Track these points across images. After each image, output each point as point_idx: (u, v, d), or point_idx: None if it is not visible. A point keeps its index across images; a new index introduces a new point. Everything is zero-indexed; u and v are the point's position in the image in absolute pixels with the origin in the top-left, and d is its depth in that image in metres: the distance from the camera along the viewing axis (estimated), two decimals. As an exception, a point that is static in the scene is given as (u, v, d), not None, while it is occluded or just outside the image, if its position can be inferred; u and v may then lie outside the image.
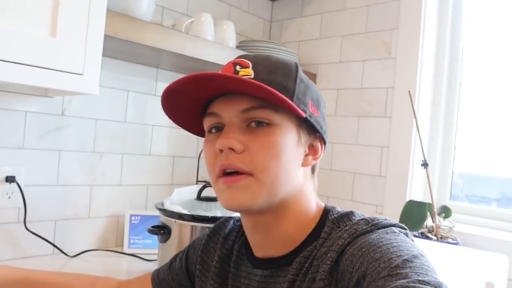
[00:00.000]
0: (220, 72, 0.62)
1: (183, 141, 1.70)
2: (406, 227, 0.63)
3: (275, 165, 0.60)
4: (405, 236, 0.60)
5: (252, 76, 0.61)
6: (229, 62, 0.65)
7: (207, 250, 0.78)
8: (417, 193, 1.57)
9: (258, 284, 0.67)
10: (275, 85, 0.59)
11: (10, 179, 1.25)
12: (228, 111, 0.61)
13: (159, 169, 1.64)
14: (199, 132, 0.71)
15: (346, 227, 0.61)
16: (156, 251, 1.34)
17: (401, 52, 1.59)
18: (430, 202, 1.34)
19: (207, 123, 0.65)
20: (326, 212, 0.67)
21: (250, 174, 0.60)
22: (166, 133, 1.64)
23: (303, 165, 0.65)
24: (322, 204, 0.69)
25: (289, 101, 0.58)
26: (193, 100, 0.65)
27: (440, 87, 1.62)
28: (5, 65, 0.92)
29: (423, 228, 1.37)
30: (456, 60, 1.60)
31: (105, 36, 1.10)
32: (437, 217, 1.34)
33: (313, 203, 0.68)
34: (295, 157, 0.63)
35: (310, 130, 0.66)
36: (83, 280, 0.88)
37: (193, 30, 1.46)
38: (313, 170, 0.70)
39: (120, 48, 1.32)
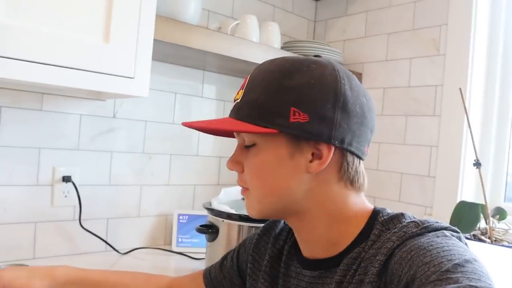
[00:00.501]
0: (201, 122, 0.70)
1: (229, 142, 1.70)
2: (459, 231, 0.61)
3: (261, 184, 0.65)
4: (457, 239, 0.58)
5: (239, 100, 0.66)
6: (246, 77, 0.69)
7: (258, 249, 0.79)
8: (468, 194, 1.51)
9: (307, 285, 0.67)
10: (252, 105, 0.63)
11: (66, 179, 1.32)
12: (235, 133, 0.70)
13: (206, 170, 1.67)
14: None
15: (396, 230, 0.60)
16: (203, 250, 1.36)
17: (450, 48, 1.54)
18: (483, 203, 1.29)
19: None
20: (375, 213, 0.66)
21: (248, 189, 0.68)
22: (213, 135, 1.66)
23: (309, 171, 0.63)
24: (371, 206, 0.68)
25: (251, 129, 0.62)
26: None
27: (493, 84, 1.55)
28: (62, 70, 0.97)
29: (475, 230, 1.32)
30: (510, 56, 1.53)
31: (154, 40, 1.13)
32: (491, 219, 1.28)
33: (348, 206, 0.65)
34: (290, 169, 0.63)
35: (309, 136, 0.62)
36: (137, 279, 0.91)
37: (238, 32, 1.48)
38: (340, 173, 0.65)
39: (168, 52, 1.36)
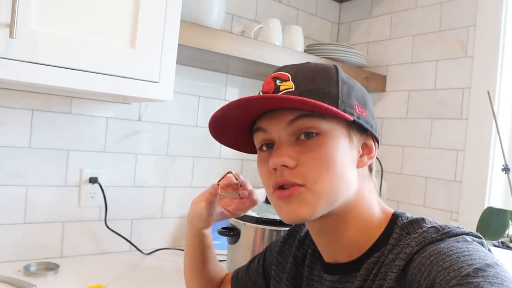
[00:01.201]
0: (261, 91, 0.64)
1: (251, 144, 1.73)
2: (481, 236, 0.59)
3: (329, 174, 0.60)
4: (479, 245, 0.56)
5: (293, 89, 0.60)
6: (268, 77, 0.65)
7: (283, 252, 0.80)
8: (496, 200, 1.48)
9: None
10: (317, 93, 0.60)
11: (93, 180, 1.35)
12: (275, 125, 0.62)
13: (228, 172, 1.68)
14: (251, 150, 0.73)
15: (415, 235, 0.59)
16: (224, 252, 1.37)
17: (478, 50, 1.50)
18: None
19: (257, 139, 0.66)
20: (395, 217, 0.65)
21: (303, 185, 0.60)
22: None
23: (359, 166, 0.63)
24: (390, 209, 0.67)
25: (335, 109, 0.57)
26: (239, 123, 0.67)
27: (522, 87, 1.51)
28: (89, 75, 1.00)
29: (504, 237, 1.29)
30: (541, 58, 1.49)
31: (179, 45, 1.15)
32: (519, 226, 1.25)
33: (375, 206, 0.65)
34: (349, 161, 0.62)
35: (361, 130, 0.64)
36: (217, 261, 0.94)
37: (262, 36, 1.48)
38: (370, 170, 0.68)
39: (192, 56, 1.38)
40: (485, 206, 1.40)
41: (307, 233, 0.78)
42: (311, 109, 0.59)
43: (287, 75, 0.62)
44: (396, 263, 0.57)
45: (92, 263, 1.31)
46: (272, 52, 1.43)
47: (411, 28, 1.72)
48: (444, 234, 0.57)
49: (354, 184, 0.63)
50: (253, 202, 0.87)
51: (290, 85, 0.61)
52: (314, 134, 0.60)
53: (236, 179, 0.87)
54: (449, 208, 1.54)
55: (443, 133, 1.59)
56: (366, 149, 0.64)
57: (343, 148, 0.61)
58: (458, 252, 0.52)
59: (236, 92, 1.69)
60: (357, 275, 0.63)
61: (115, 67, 1.04)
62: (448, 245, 0.54)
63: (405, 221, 0.63)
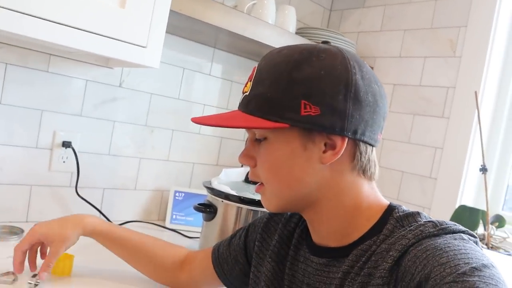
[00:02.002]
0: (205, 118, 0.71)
1: (232, 123, 1.70)
2: (476, 236, 0.60)
3: (276, 178, 0.65)
4: (474, 244, 0.57)
5: (247, 93, 0.64)
6: (254, 67, 0.67)
7: (268, 229, 0.79)
8: (468, 199, 1.51)
9: (313, 271, 0.67)
10: (260, 98, 0.62)
11: (66, 144, 1.29)
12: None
13: (206, 149, 1.65)
14: None
15: (411, 228, 0.59)
16: (197, 229, 1.35)
17: (467, 51, 1.52)
18: (484, 209, 1.28)
19: None
20: (390, 209, 0.65)
21: (262, 184, 0.67)
22: (216, 113, 1.64)
23: (322, 162, 0.62)
24: (385, 201, 0.67)
25: (262, 124, 0.61)
26: None
27: (505, 92, 1.54)
28: (74, 31, 0.94)
29: (473, 236, 1.32)
30: (525, 65, 1.52)
31: (170, 11, 1.10)
32: (490, 225, 1.28)
33: (363, 197, 0.65)
34: (303, 161, 0.62)
35: (320, 128, 0.60)
36: (157, 245, 0.95)
37: (254, 12, 1.45)
38: (353, 162, 0.64)
39: (182, 25, 1.33)
40: (457, 204, 1.44)
41: (294, 212, 0.77)
42: (242, 128, 0.65)
43: (253, 74, 0.65)
44: (390, 253, 0.57)
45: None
46: (263, 29, 1.39)
47: (403, 22, 1.71)
48: (442, 230, 0.57)
49: (316, 180, 0.63)
50: None
51: (248, 87, 0.65)
52: (263, 139, 0.65)
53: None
54: (422, 203, 1.57)
55: (423, 129, 1.61)
56: (329, 145, 0.62)
57: (293, 151, 0.62)
58: (455, 250, 0.52)
59: (221, 68, 1.65)
60: (345, 260, 0.63)
61: (101, 26, 0.98)
62: (445, 241, 0.54)
63: (400, 213, 0.63)
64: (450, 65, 1.56)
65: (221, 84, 1.65)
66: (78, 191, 1.32)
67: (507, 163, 1.52)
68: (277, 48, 0.66)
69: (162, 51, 1.10)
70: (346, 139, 0.61)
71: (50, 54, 1.24)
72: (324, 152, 0.62)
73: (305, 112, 0.59)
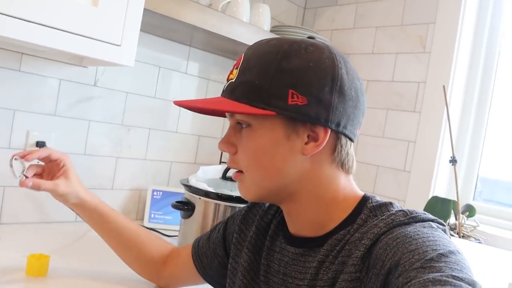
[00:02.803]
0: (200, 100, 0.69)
1: (209, 121, 1.70)
2: (444, 224, 0.62)
3: (257, 165, 0.65)
4: (442, 232, 0.59)
5: (234, 79, 0.65)
6: (240, 56, 0.67)
7: (246, 221, 0.80)
8: (440, 190, 1.56)
9: (289, 261, 0.68)
10: (247, 85, 0.63)
11: (40, 145, 1.27)
12: (227, 114, 0.68)
13: (184, 147, 1.65)
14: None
15: (383, 217, 0.61)
16: (175, 227, 1.35)
17: (436, 47, 1.56)
18: (455, 199, 1.33)
19: None
20: (364, 199, 0.67)
21: (242, 172, 0.67)
22: (193, 112, 1.64)
23: (304, 153, 0.63)
24: (360, 192, 0.69)
25: (248, 110, 0.61)
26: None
27: (473, 86, 1.59)
28: (46, 30, 0.93)
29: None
30: (492, 60, 1.58)
31: (144, 10, 1.10)
32: (461, 215, 1.32)
33: (339, 189, 0.66)
34: (285, 150, 0.63)
35: (305, 118, 0.62)
36: (149, 237, 0.95)
37: (229, 11, 1.46)
38: (334, 155, 0.65)
39: (156, 23, 1.33)
40: (430, 195, 1.48)
41: (272, 204, 0.78)
42: (229, 111, 0.65)
43: (240, 60, 0.66)
44: (363, 242, 0.59)
45: (34, 232, 1.24)
46: (238, 27, 1.40)
47: (374, 19, 1.75)
48: (412, 218, 0.59)
49: (296, 171, 0.64)
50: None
51: (234, 74, 0.65)
52: (245, 125, 0.65)
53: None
54: (397, 196, 1.61)
55: (397, 124, 1.64)
56: (312, 137, 0.63)
57: (277, 139, 0.63)
58: (424, 237, 0.54)
59: (198, 66, 1.65)
60: (320, 250, 0.64)
61: (74, 24, 0.98)
62: (415, 229, 0.56)
63: (374, 203, 0.65)
64: (420, 60, 1.60)
65: (198, 83, 1.66)
66: (54, 192, 1.30)
67: (476, 155, 1.57)
68: (265, 39, 0.67)
69: (137, 49, 1.10)
70: (329, 131, 0.62)
71: (22, 53, 1.22)
72: (307, 143, 0.63)
73: (292, 101, 0.60)
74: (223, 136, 0.68)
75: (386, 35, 1.71)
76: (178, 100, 0.69)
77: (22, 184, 0.83)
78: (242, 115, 0.64)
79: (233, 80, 0.65)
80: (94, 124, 1.40)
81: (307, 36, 0.70)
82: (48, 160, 0.89)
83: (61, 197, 0.88)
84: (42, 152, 0.86)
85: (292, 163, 0.64)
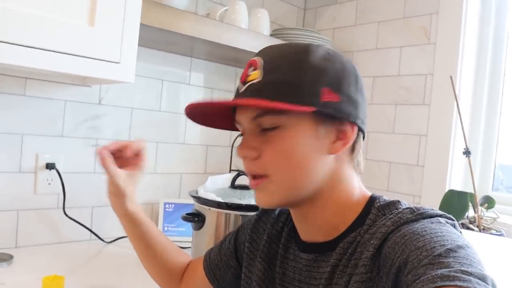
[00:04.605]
0: (221, 101, 0.63)
1: (216, 131, 1.69)
2: (454, 218, 0.61)
3: (288, 167, 0.62)
4: (451, 227, 0.58)
5: (259, 79, 0.61)
6: (249, 61, 0.66)
7: (256, 229, 0.79)
8: (457, 183, 1.52)
9: (303, 268, 0.68)
10: (279, 84, 0.60)
11: (50, 166, 1.29)
12: (244, 119, 0.65)
13: (193, 158, 1.65)
14: (233, 127, 0.72)
15: (391, 215, 0.60)
16: (189, 239, 1.35)
17: (441, 37, 1.53)
18: (472, 192, 1.29)
19: (239, 128, 0.69)
20: (372, 200, 0.66)
21: (267, 176, 0.63)
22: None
23: (331, 152, 0.63)
24: (368, 192, 0.68)
25: (287, 106, 0.58)
26: (219, 113, 0.70)
27: (483, 74, 1.55)
28: (45, 53, 0.95)
29: (464, 219, 1.33)
30: (500, 46, 1.54)
31: (141, 25, 1.11)
32: (479, 207, 1.29)
33: (355, 189, 0.66)
34: (315, 150, 0.62)
35: (332, 116, 0.61)
36: (174, 246, 0.93)
37: (227, 19, 1.45)
38: (353, 154, 0.66)
39: (155, 37, 1.33)
40: (446, 189, 1.44)
41: (282, 211, 0.78)
42: (265, 109, 0.61)
43: (260, 61, 0.63)
44: (371, 242, 0.58)
45: (49, 253, 1.25)
46: (238, 35, 1.40)
47: (376, 14, 1.72)
48: (419, 215, 0.58)
49: (324, 170, 0.63)
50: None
51: (257, 74, 0.62)
52: (275, 127, 0.62)
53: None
54: (412, 192, 1.57)
55: (406, 118, 1.61)
56: (340, 135, 0.63)
57: (307, 139, 0.62)
58: (432, 233, 0.53)
59: (201, 76, 1.65)
60: (332, 254, 0.63)
61: (73, 46, 0.99)
62: (422, 226, 0.55)
63: (382, 203, 0.64)
64: (426, 52, 1.57)
65: (203, 93, 1.66)
66: (66, 212, 1.31)
67: (492, 144, 1.53)
68: (278, 44, 0.67)
69: (139, 64, 1.11)
70: (356, 129, 0.63)
71: (26, 78, 1.24)
72: (334, 142, 0.63)
73: (326, 98, 0.60)
74: (231, 144, 0.69)
75: (389, 30, 1.68)
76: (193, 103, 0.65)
77: (97, 151, 0.82)
78: (271, 116, 0.61)
79: (258, 80, 0.62)
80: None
81: (306, 39, 0.69)
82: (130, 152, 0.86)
83: (116, 190, 0.84)
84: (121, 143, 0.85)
85: (321, 163, 0.63)
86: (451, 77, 1.29)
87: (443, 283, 0.43)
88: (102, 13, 1.02)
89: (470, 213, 1.33)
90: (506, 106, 1.53)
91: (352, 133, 0.63)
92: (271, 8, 1.76)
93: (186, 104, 0.65)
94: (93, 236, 1.39)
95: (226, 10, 1.46)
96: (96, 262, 1.22)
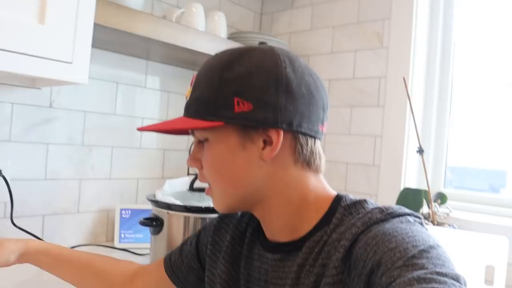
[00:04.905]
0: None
1: (173, 135, 1.67)
2: (421, 216, 0.62)
3: (219, 177, 0.66)
4: (420, 225, 0.59)
5: (188, 98, 0.67)
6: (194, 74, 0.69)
7: (219, 231, 0.78)
8: (411, 181, 1.57)
9: (269, 267, 0.67)
10: (197, 101, 0.64)
11: (-4, 173, 1.21)
12: (190, 132, 0.70)
13: (149, 163, 1.61)
14: None
15: (360, 215, 0.60)
16: (147, 245, 1.31)
17: (393, 41, 1.58)
18: (425, 189, 1.33)
19: None
20: (338, 199, 0.66)
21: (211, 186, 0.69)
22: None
23: (263, 158, 0.62)
24: (333, 191, 0.68)
25: (199, 124, 0.63)
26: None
27: (433, 76, 1.62)
28: (-10, 52, 0.89)
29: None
30: (448, 48, 1.61)
31: (95, 24, 1.07)
32: (433, 203, 1.33)
33: (309, 190, 0.65)
34: (244, 159, 0.63)
35: (255, 124, 0.61)
36: (106, 262, 0.91)
37: (184, 21, 1.44)
38: (295, 155, 0.64)
39: (110, 38, 1.30)
40: (401, 187, 1.48)
41: (245, 212, 0.77)
42: (180, 128, 0.67)
43: (193, 80, 0.68)
44: (341, 243, 0.58)
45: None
46: (195, 37, 1.39)
47: (331, 19, 1.76)
48: (388, 214, 0.59)
49: (260, 177, 0.64)
50: None
51: (189, 92, 0.67)
52: (204, 140, 0.66)
53: None
54: (369, 191, 1.61)
55: (362, 120, 1.65)
56: (267, 141, 0.62)
57: (234, 149, 0.63)
58: (403, 233, 0.54)
59: (157, 80, 1.62)
60: (298, 253, 0.63)
61: (21, 44, 0.94)
62: (393, 226, 0.56)
63: (348, 202, 0.64)
64: (379, 56, 1.62)
65: (159, 96, 1.63)
66: (15, 221, 1.24)
67: (443, 143, 1.60)
68: (214, 54, 0.68)
69: (92, 67, 1.07)
70: (281, 132, 0.61)
71: (-31, 79, 1.17)
72: (263, 148, 0.62)
73: (238, 109, 0.60)
74: (188, 148, 0.70)
75: (344, 34, 1.72)
76: (142, 126, 0.71)
77: None
78: (199, 131, 0.66)
79: (188, 99, 0.67)
80: (53, 147, 1.34)
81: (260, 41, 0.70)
82: None
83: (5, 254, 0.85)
84: None
85: (253, 171, 0.63)
86: (404, 78, 1.34)
87: (420, 286, 0.44)
88: (53, 10, 0.98)
89: (425, 209, 1.38)
90: (455, 108, 1.60)
91: (278, 137, 0.61)
92: (228, 13, 1.76)
93: (136, 128, 0.73)
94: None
95: (183, 12, 1.45)
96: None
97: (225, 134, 0.63)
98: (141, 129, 0.70)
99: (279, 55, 0.63)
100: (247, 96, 0.60)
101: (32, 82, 1.26)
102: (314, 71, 0.67)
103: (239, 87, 0.61)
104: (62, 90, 1.35)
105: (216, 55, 0.66)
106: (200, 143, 0.68)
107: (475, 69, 1.60)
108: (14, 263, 0.86)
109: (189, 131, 0.70)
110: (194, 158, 0.69)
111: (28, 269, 0.91)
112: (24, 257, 0.87)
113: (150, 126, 0.71)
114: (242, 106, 0.60)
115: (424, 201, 1.34)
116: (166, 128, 0.69)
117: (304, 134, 0.63)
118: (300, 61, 0.66)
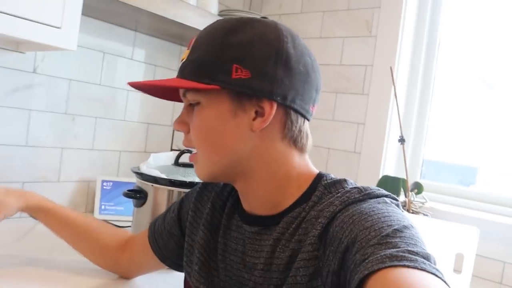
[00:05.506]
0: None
1: (158, 109, 1.66)
2: (397, 199, 0.64)
3: (206, 142, 0.65)
4: (396, 207, 0.61)
5: (185, 58, 0.66)
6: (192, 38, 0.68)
7: (201, 198, 0.79)
8: (389, 170, 1.61)
9: (246, 239, 0.68)
10: (195, 62, 0.64)
11: (-25, 137, 1.19)
12: (180, 95, 0.69)
13: (133, 136, 1.60)
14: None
15: (339, 194, 0.61)
16: (128, 218, 1.31)
17: (381, 30, 1.60)
18: (404, 178, 1.37)
19: None
20: (319, 177, 0.67)
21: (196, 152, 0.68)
22: (140, 100, 1.60)
23: (252, 129, 0.63)
24: (315, 170, 0.69)
25: (195, 85, 0.62)
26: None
27: (417, 67, 1.65)
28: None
29: (395, 203, 1.41)
30: (434, 40, 1.64)
31: (86, -10, 1.05)
32: (410, 192, 1.37)
33: (293, 167, 0.66)
34: (233, 126, 0.63)
35: (250, 93, 0.62)
36: (102, 227, 0.94)
37: (175, -7, 1.41)
38: (284, 131, 0.65)
39: (100, 6, 1.27)
40: (380, 175, 1.52)
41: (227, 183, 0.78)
42: (176, 87, 0.67)
43: (191, 43, 0.66)
44: (319, 220, 0.59)
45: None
46: (185, 11, 1.37)
47: (321, 4, 1.76)
48: (366, 195, 0.60)
49: (245, 147, 0.64)
50: None
51: (186, 54, 0.66)
52: (195, 104, 0.65)
53: None
54: (348, 177, 1.63)
55: (346, 107, 1.67)
56: (259, 112, 0.63)
57: (224, 115, 0.63)
58: (379, 213, 0.55)
59: (144, 53, 1.60)
60: (276, 228, 0.64)
61: (7, 4, 0.91)
62: (370, 206, 0.57)
63: (328, 181, 0.65)
64: (367, 44, 1.63)
65: (145, 69, 1.61)
66: (-7, 186, 1.22)
67: (422, 134, 1.64)
68: (215, 21, 0.67)
69: (80, 35, 1.05)
70: (275, 105, 0.62)
71: (-49, 38, 1.13)
72: (254, 119, 0.63)
73: (236, 75, 0.61)
74: (172, 124, 0.69)
75: (333, 20, 1.73)
76: (132, 81, 0.69)
77: None
78: (192, 93, 0.65)
79: (184, 60, 0.65)
80: (36, 114, 1.32)
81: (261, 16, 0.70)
82: None
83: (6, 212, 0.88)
84: None
85: (241, 140, 0.64)
86: (391, 68, 1.36)
87: (391, 263, 0.46)
88: (43, -28, 0.95)
89: (401, 197, 1.42)
90: (435, 103, 1.64)
91: (271, 109, 0.62)
92: (219, -11, 1.74)
93: (127, 82, 0.71)
94: (23, 214, 1.29)
95: (175, -15, 1.42)
96: (26, 241, 1.15)
97: (218, 99, 0.63)
98: (131, 83, 0.68)
99: (282, 30, 0.64)
100: (246, 63, 0.61)
101: (16, 46, 1.23)
102: (312, 53, 0.68)
103: (239, 54, 0.61)
104: (47, 56, 1.32)
105: (219, 20, 0.66)
106: (190, 106, 0.67)
107: (454, 64, 1.64)
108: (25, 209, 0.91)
109: (180, 93, 0.68)
110: (182, 121, 0.68)
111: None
112: (24, 211, 0.91)
113: (141, 82, 0.68)
114: (240, 73, 0.61)
115: (402, 189, 1.38)
116: (159, 84, 0.67)
117: (296, 111, 0.64)
118: (301, 40, 0.67)
